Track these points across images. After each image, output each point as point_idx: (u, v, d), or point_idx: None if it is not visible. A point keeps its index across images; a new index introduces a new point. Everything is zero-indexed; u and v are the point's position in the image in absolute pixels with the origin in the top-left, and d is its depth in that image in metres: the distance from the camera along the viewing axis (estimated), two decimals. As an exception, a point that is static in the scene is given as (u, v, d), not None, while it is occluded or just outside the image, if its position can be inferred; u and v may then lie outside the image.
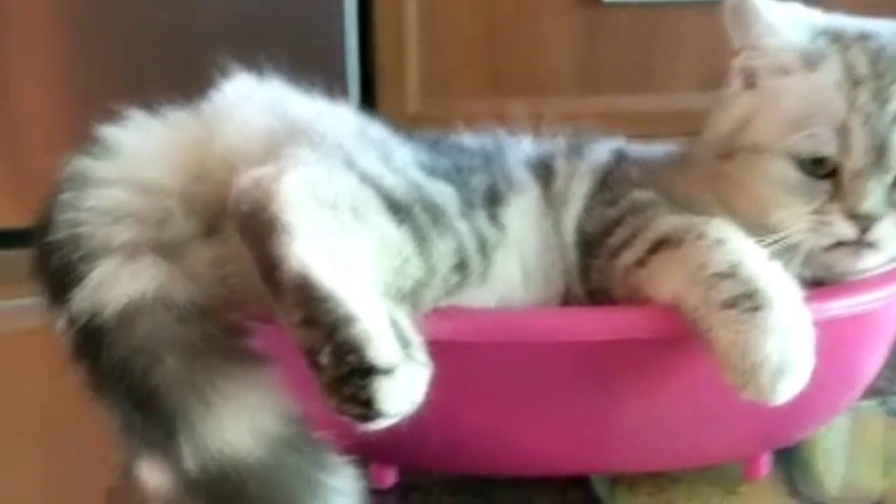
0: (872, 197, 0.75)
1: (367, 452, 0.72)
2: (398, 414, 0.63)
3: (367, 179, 0.72)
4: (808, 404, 0.71)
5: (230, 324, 0.70)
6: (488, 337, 0.73)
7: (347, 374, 0.62)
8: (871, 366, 0.83)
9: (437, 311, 0.72)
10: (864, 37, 0.79)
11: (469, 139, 0.85)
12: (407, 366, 0.64)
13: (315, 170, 0.70)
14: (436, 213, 0.73)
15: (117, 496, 0.82)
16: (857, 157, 0.75)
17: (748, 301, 0.70)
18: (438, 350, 0.66)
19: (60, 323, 0.69)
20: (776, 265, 0.73)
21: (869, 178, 0.75)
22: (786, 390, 0.69)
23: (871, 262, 0.78)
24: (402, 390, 0.63)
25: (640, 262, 0.76)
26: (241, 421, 0.67)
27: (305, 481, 0.68)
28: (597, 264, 0.79)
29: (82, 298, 0.68)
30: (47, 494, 1.58)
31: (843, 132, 0.75)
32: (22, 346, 1.22)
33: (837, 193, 0.76)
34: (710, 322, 0.70)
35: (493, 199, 0.79)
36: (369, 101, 1.67)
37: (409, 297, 0.70)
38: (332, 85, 0.81)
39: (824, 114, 0.76)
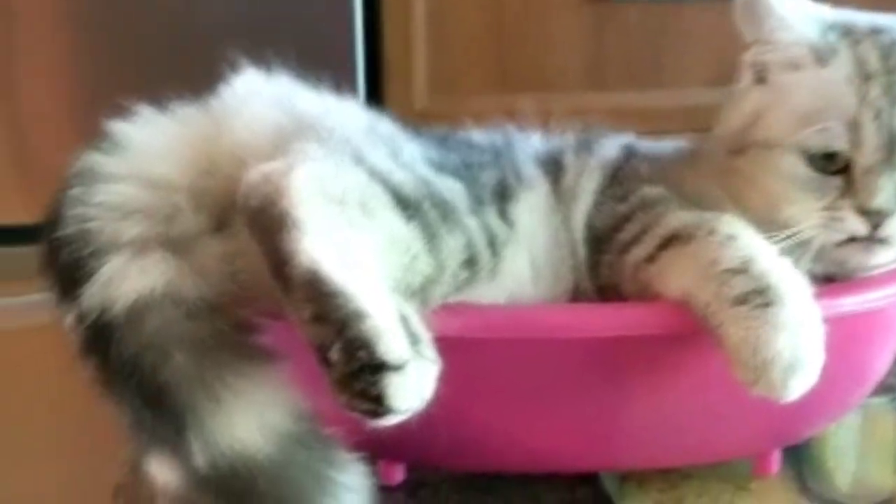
0: (884, 193, 0.75)
1: (376, 449, 0.72)
2: (408, 410, 0.63)
3: (375, 175, 0.71)
4: (818, 401, 0.70)
5: (239, 320, 0.70)
6: (497, 333, 0.73)
7: (358, 371, 0.62)
8: (882, 362, 0.83)
9: (446, 308, 0.71)
10: (875, 31, 0.79)
11: (478, 135, 0.85)
12: (416, 362, 0.64)
13: (324, 165, 0.70)
14: (445, 210, 0.73)
15: (125, 492, 0.82)
16: (868, 153, 0.75)
17: (759, 297, 0.70)
18: (447, 346, 0.66)
19: (69, 319, 0.69)
20: (787, 261, 0.73)
21: (881, 174, 0.75)
22: (796, 387, 0.69)
23: (882, 258, 0.77)
24: (412, 387, 0.63)
25: (650, 258, 0.76)
26: (250, 417, 0.67)
27: (315, 478, 0.68)
28: (606, 260, 0.79)
29: (91, 294, 0.68)
30: (55, 491, 1.58)
31: (854, 127, 0.75)
32: (31, 342, 1.22)
33: (849, 189, 0.76)
34: (721, 318, 0.70)
35: (503, 195, 0.78)
36: (376, 97, 1.67)
37: (418, 293, 0.70)
38: (339, 81, 0.81)
39: (835, 109, 0.76)
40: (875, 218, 0.75)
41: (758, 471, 0.82)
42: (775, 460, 0.83)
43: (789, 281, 0.71)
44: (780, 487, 0.82)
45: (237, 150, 0.73)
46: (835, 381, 0.70)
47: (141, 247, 0.69)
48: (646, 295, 0.75)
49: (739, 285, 0.70)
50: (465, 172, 0.77)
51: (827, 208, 0.76)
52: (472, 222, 0.74)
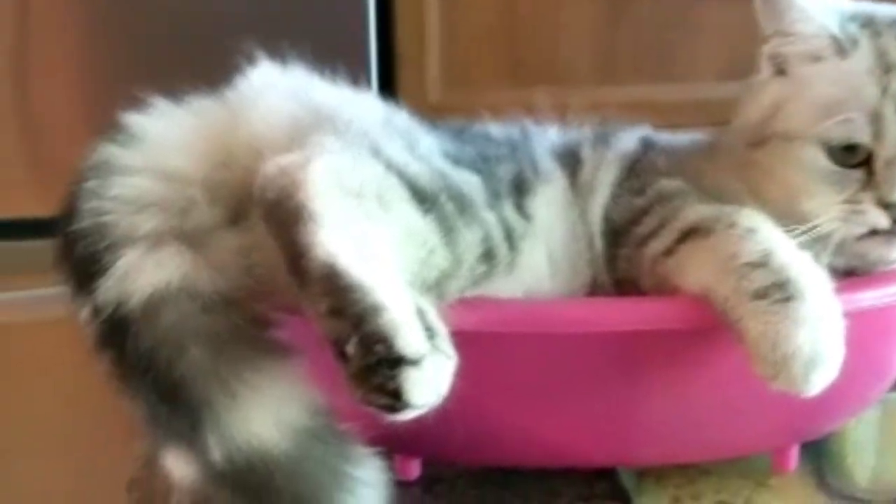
0: (906, 186, 0.74)
1: (392, 444, 0.72)
2: (425, 405, 0.63)
3: (392, 168, 0.71)
4: (838, 396, 0.70)
5: (256, 314, 0.69)
6: (514, 327, 0.73)
7: (375, 365, 0.61)
8: (902, 357, 0.82)
9: (463, 302, 0.71)
10: (895, 23, 0.78)
11: (495, 128, 0.85)
12: (434, 357, 0.63)
13: (341, 158, 0.69)
14: (462, 203, 0.73)
15: (139, 486, 0.81)
16: (890, 145, 0.75)
17: (779, 291, 0.69)
18: (464, 341, 0.65)
19: (85, 313, 0.69)
20: (807, 255, 0.72)
21: (902, 167, 0.74)
22: (817, 381, 0.68)
23: (903, 251, 0.77)
24: (429, 381, 0.63)
25: (669, 252, 0.75)
26: (266, 412, 0.66)
27: (331, 473, 0.67)
28: (624, 254, 0.79)
29: (107, 288, 0.67)
30: (70, 485, 1.59)
31: (875, 119, 0.75)
32: (46, 336, 1.22)
33: (870, 182, 0.75)
34: (741, 312, 0.69)
35: (520, 189, 0.78)
36: (389, 90, 1.67)
37: (435, 287, 0.69)
38: (352, 74, 0.81)
39: (856, 100, 0.75)
40: (896, 211, 0.75)
41: (777, 467, 0.82)
42: (794, 456, 0.82)
43: (809, 275, 0.70)
44: (798, 483, 0.81)
45: (253, 143, 0.73)
46: (855, 375, 0.70)
47: (156, 240, 0.69)
48: (664, 289, 0.75)
49: (759, 279, 0.70)
50: (483, 166, 0.77)
51: (847, 201, 0.75)
52: (489, 216, 0.74)
